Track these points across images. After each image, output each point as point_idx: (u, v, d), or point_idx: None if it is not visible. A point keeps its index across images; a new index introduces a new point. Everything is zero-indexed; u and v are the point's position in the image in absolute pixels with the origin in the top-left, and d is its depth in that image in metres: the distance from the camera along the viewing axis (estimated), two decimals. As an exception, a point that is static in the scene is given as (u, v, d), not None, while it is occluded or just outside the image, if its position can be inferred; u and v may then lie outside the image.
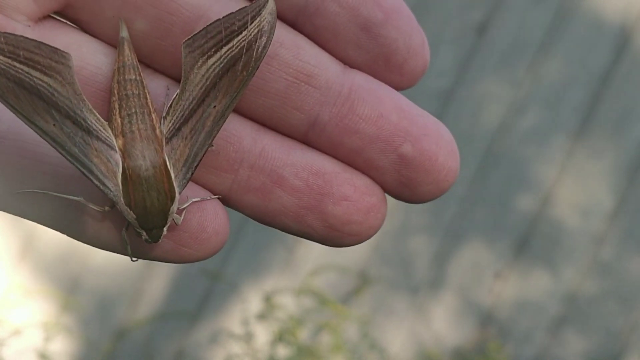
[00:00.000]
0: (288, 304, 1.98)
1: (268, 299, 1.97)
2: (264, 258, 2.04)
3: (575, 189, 2.08)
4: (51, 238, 1.97)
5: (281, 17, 0.47)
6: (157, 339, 2.03)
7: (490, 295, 2.05)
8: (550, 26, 2.10)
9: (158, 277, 2.02)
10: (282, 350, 1.95)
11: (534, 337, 2.05)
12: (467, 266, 2.06)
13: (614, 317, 2.05)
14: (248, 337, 1.96)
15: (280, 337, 1.93)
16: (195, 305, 2.04)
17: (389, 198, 0.50)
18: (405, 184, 0.48)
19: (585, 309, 2.06)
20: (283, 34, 0.47)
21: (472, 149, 2.07)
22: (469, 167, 2.06)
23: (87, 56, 0.46)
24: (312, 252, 2.02)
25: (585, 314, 2.06)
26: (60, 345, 1.98)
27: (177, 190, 0.46)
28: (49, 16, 0.47)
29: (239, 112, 0.48)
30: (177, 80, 0.48)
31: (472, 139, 2.07)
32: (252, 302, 2.01)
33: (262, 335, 1.97)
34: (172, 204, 0.46)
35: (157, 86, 0.48)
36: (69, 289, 2.00)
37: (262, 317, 1.97)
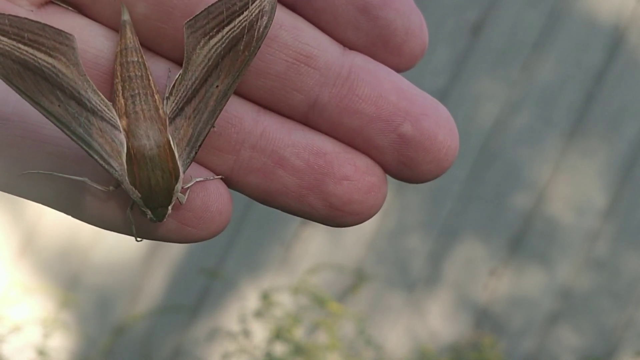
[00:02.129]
0: (285, 301, 1.99)
1: (265, 297, 1.97)
2: (261, 256, 2.04)
3: (569, 186, 2.09)
4: (51, 235, 1.98)
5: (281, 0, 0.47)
6: (155, 335, 2.03)
7: (485, 292, 2.06)
8: (544, 26, 2.11)
9: (156, 274, 2.03)
10: (279, 348, 1.95)
11: (528, 333, 2.06)
12: (462, 263, 2.07)
13: (608, 313, 2.06)
14: (245, 334, 1.97)
15: (277, 335, 1.93)
16: (193, 302, 2.04)
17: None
18: (405, 164, 0.48)
19: (579, 305, 2.07)
20: (283, 16, 0.47)
21: (467, 148, 2.08)
22: (464, 165, 2.07)
23: (89, 39, 0.47)
24: (309, 250, 2.03)
25: (579, 310, 2.06)
26: (59, 341, 1.99)
27: (181, 169, 0.46)
28: (51, 1, 0.47)
29: (239, 93, 0.48)
30: (178, 63, 0.48)
31: (467, 137, 2.08)
32: (250, 299, 2.01)
33: (260, 332, 1.98)
34: (177, 183, 0.46)
35: (157, 69, 0.48)
36: (69, 285, 2.00)
37: (259, 314, 1.97)
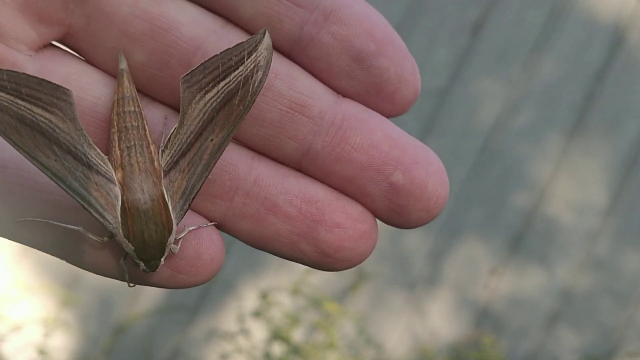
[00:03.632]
0: (284, 301, 1.99)
1: (264, 297, 1.97)
2: (261, 255, 2.04)
3: (570, 186, 2.09)
4: (51, 236, 1.98)
5: (276, 47, 0.48)
6: (155, 335, 2.04)
7: (486, 292, 2.07)
8: (544, 25, 2.10)
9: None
10: (278, 348, 1.95)
11: (528, 332, 2.06)
12: (463, 262, 2.07)
13: (608, 313, 2.06)
14: (244, 334, 1.97)
15: (276, 335, 1.94)
16: (193, 302, 2.04)
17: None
18: (396, 211, 0.49)
19: (580, 305, 2.07)
20: (278, 64, 0.48)
21: (468, 147, 2.08)
22: (465, 164, 2.07)
23: (87, 86, 0.47)
24: (309, 250, 2.03)
25: (580, 310, 2.07)
26: (59, 340, 1.99)
27: (174, 222, 0.47)
28: (50, 44, 0.47)
29: (234, 140, 0.49)
30: (174, 108, 0.49)
31: (468, 136, 2.08)
32: (249, 299, 2.01)
33: (258, 332, 1.98)
34: (170, 236, 0.47)
35: (154, 115, 0.49)
36: (69, 285, 2.01)
37: (258, 314, 1.97)
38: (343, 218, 0.49)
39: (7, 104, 0.45)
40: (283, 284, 2.00)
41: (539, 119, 2.09)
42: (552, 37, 2.09)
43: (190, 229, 0.48)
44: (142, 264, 0.47)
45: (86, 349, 2.02)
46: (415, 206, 0.49)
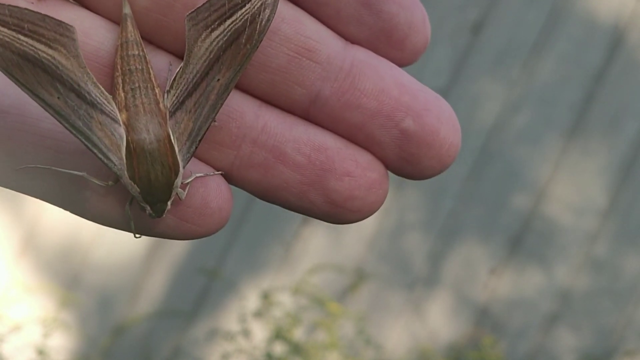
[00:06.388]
0: (285, 301, 1.99)
1: (265, 297, 1.97)
2: (261, 255, 2.04)
3: (569, 186, 2.09)
4: (51, 234, 1.98)
5: None
6: (155, 335, 2.03)
7: (485, 292, 2.06)
8: (544, 25, 2.11)
9: (157, 273, 2.03)
10: (279, 348, 1.95)
11: (527, 333, 2.06)
12: (462, 263, 2.07)
13: (607, 313, 2.06)
14: (245, 334, 1.97)
15: (277, 335, 1.94)
16: (193, 302, 2.04)
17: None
18: (406, 159, 0.47)
19: (579, 305, 2.07)
20: (285, 9, 0.46)
21: (467, 147, 2.08)
22: (464, 164, 2.07)
23: (90, 32, 0.46)
24: (309, 250, 2.03)
25: (579, 311, 2.06)
26: (58, 341, 1.99)
27: (181, 164, 0.46)
28: None
29: (241, 88, 0.47)
30: (179, 56, 0.47)
31: (467, 137, 2.08)
32: (250, 299, 2.01)
33: (259, 332, 1.98)
34: (176, 178, 0.45)
35: (158, 62, 0.47)
36: (69, 285, 2.00)
37: (259, 314, 1.97)
38: (353, 166, 0.47)
39: (9, 40, 0.43)
40: (283, 283, 2.00)
41: (538, 119, 2.09)
42: (552, 37, 2.10)
43: (198, 175, 0.47)
44: (148, 208, 0.46)
45: (85, 349, 2.01)
46: (426, 154, 0.47)
